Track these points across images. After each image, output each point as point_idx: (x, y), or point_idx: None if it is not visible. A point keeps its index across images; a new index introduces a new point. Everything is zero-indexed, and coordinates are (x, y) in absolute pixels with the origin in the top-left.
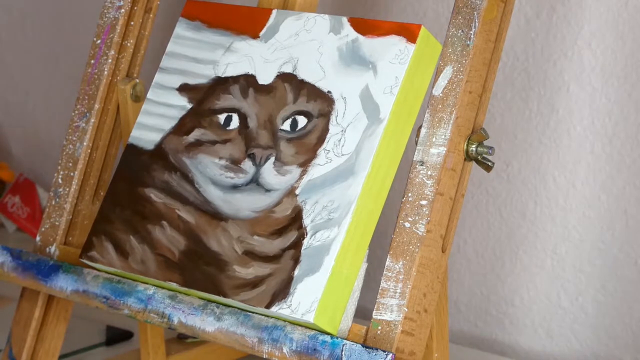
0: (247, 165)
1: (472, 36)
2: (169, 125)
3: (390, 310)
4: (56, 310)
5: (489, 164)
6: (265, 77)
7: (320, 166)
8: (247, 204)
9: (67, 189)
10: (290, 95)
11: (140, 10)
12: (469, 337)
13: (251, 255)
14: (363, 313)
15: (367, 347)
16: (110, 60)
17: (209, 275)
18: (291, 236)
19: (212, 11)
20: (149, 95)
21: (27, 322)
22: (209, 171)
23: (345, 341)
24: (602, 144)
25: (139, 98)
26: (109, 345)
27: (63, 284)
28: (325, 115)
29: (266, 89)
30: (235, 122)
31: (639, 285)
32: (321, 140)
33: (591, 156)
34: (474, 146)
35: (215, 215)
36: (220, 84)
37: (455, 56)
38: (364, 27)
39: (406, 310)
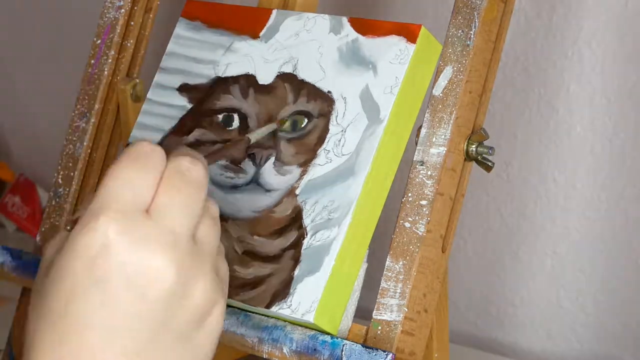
0: (247, 165)
1: (472, 36)
2: (169, 125)
3: (390, 310)
4: None
5: (489, 164)
6: (265, 77)
7: (320, 166)
8: (247, 204)
9: (67, 189)
10: (291, 95)
11: (140, 10)
12: (469, 337)
13: (251, 255)
14: (363, 313)
15: (367, 347)
16: (110, 60)
17: None
18: (291, 236)
19: (212, 11)
20: (149, 95)
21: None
22: (209, 171)
23: (345, 341)
24: (602, 144)
25: (139, 98)
26: None
27: None
28: (325, 115)
29: (266, 89)
30: (235, 122)
31: (639, 285)
32: (321, 140)
33: (591, 156)
34: (474, 146)
35: None
36: (221, 84)
37: (455, 56)
38: (364, 27)
39: (406, 310)
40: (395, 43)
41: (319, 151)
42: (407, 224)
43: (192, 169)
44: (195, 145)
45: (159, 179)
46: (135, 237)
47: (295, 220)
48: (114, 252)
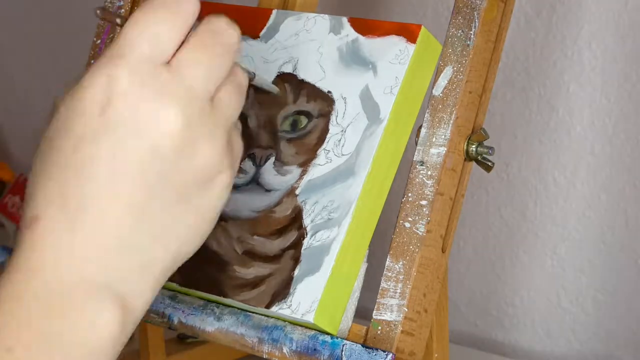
0: (247, 165)
1: (472, 36)
2: None
3: (390, 310)
4: None
5: (489, 164)
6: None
7: (321, 166)
8: (247, 204)
9: None
10: (290, 95)
11: None
12: (469, 337)
13: (251, 255)
14: (363, 313)
15: (367, 347)
16: None
17: (209, 275)
18: (291, 236)
19: (212, 11)
20: None
21: None
22: None
23: (345, 341)
24: (602, 144)
25: None
26: None
27: None
28: (325, 115)
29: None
30: None
31: (639, 285)
32: (321, 140)
33: (591, 156)
34: (474, 146)
35: None
36: None
37: (455, 56)
38: (364, 27)
39: (406, 310)
40: (395, 43)
41: (319, 151)
42: (407, 224)
43: (226, 31)
44: None
45: (185, 30)
46: (149, 87)
47: (295, 220)
48: (127, 100)
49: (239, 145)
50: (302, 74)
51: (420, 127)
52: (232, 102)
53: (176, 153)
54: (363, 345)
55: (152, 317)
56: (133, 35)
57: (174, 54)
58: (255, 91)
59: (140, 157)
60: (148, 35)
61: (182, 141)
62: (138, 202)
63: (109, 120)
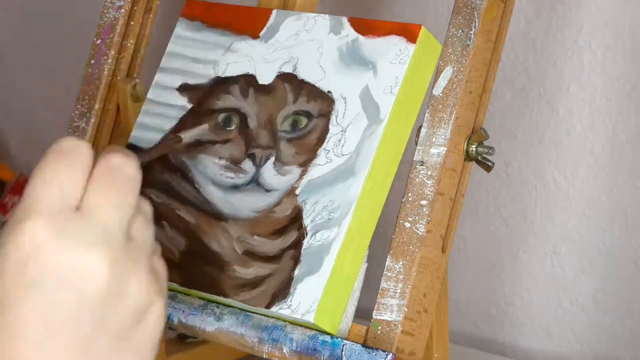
0: (247, 165)
1: (472, 36)
2: (169, 125)
3: (390, 310)
4: None
5: (489, 164)
6: (265, 77)
7: (321, 166)
8: (247, 204)
9: None
10: (291, 95)
11: (140, 10)
12: (469, 337)
13: (251, 255)
14: (363, 313)
15: (367, 347)
16: (110, 60)
17: (209, 275)
18: (291, 236)
19: (212, 11)
20: (149, 95)
21: None
22: (209, 171)
23: (345, 341)
24: (602, 144)
25: (139, 98)
26: None
27: None
28: (325, 115)
29: (266, 89)
30: (235, 122)
31: (639, 285)
32: (321, 140)
33: (591, 156)
34: (474, 146)
35: (215, 215)
36: (221, 84)
37: (455, 56)
38: (364, 27)
39: (406, 310)
40: (395, 43)
41: (319, 151)
42: (407, 224)
43: (124, 165)
44: (195, 145)
45: (87, 174)
46: (65, 236)
47: (295, 220)
48: (45, 253)
49: (162, 269)
50: (302, 74)
51: (420, 127)
52: (146, 232)
53: (106, 298)
54: (363, 345)
55: None
56: (39, 188)
57: (82, 199)
58: (255, 91)
59: (69, 310)
60: (53, 186)
61: (109, 285)
62: (73, 350)
63: (31, 276)
